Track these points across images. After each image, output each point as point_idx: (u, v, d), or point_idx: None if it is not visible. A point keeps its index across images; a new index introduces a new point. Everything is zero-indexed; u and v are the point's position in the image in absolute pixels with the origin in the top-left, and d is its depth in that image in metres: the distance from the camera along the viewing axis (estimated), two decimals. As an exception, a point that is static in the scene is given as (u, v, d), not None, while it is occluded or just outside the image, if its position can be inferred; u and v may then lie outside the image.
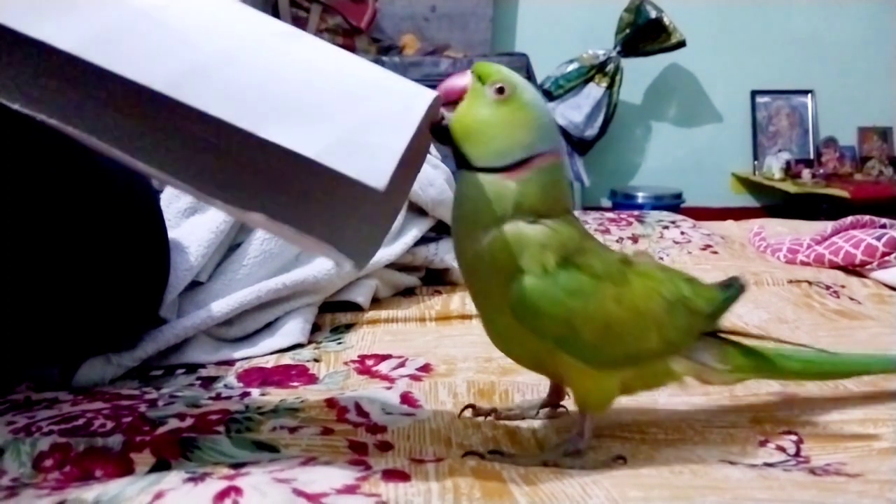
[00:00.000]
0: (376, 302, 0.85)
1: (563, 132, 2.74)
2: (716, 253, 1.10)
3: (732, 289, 0.53)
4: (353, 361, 0.69)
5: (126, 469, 0.46)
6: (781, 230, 1.24)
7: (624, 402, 0.57)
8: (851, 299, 0.89)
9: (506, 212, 0.44)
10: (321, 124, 0.37)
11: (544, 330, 0.45)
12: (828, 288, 0.92)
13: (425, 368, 0.67)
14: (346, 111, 0.38)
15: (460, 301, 0.85)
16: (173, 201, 0.76)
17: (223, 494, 0.39)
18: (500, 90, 0.45)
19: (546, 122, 0.46)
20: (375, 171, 0.37)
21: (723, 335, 0.53)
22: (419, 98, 0.40)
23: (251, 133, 0.41)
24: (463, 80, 0.46)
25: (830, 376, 0.60)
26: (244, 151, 0.42)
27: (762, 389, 0.60)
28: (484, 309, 0.49)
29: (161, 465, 0.46)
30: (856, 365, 0.59)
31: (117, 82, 0.38)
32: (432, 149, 1.12)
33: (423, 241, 0.92)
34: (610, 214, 1.33)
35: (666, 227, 1.22)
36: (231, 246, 0.77)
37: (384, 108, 0.39)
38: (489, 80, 0.45)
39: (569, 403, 0.55)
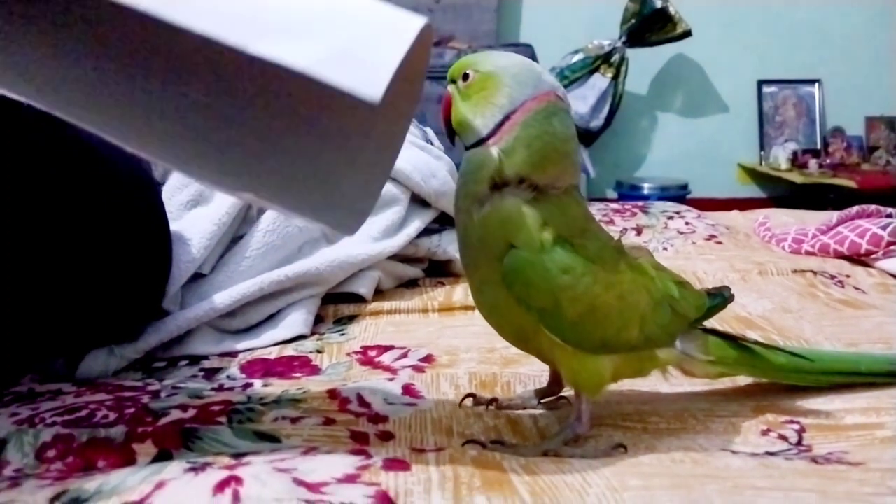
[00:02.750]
0: (379, 293, 0.85)
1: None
2: (720, 243, 1.10)
3: (720, 297, 0.55)
4: (356, 352, 0.69)
5: (128, 459, 0.46)
6: (787, 220, 1.23)
7: (626, 391, 0.58)
8: (856, 289, 0.89)
9: (490, 178, 0.45)
10: (312, 40, 0.36)
11: (530, 301, 0.45)
12: (832, 277, 0.92)
13: (428, 359, 0.67)
14: (338, 28, 0.37)
15: (463, 292, 0.85)
16: (175, 194, 0.76)
17: (224, 484, 0.39)
18: (465, 77, 0.46)
19: (518, 71, 0.46)
20: (369, 83, 0.35)
21: (706, 328, 0.54)
22: (412, 21, 0.39)
23: (243, 89, 0.41)
24: (445, 96, 0.48)
25: (817, 375, 0.57)
26: (235, 117, 0.42)
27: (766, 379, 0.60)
28: (473, 279, 0.49)
29: (163, 456, 0.47)
30: (844, 363, 0.59)
31: (108, 52, 0.38)
32: (434, 140, 1.12)
33: (425, 232, 0.92)
34: (615, 205, 1.33)
35: (670, 218, 1.22)
36: (234, 238, 0.78)
37: (377, 27, 0.38)
38: (457, 77, 0.47)
39: (569, 392, 0.55)
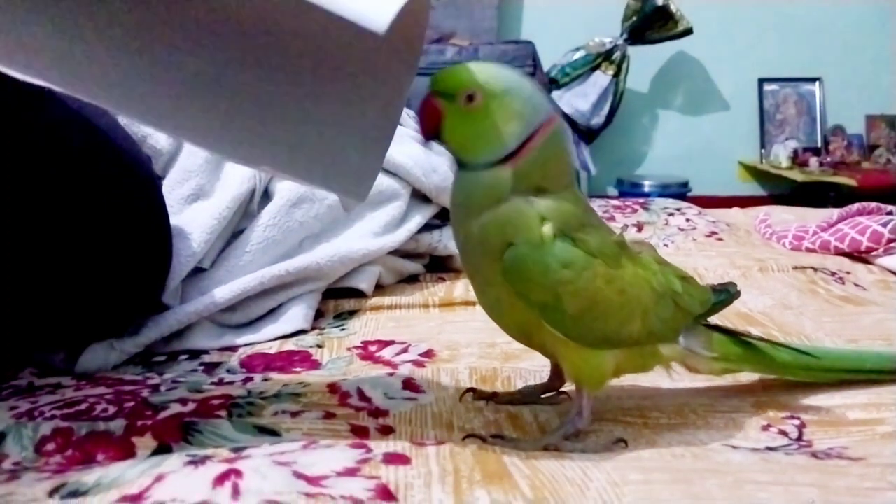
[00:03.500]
0: (380, 289, 0.85)
1: (569, 120, 2.72)
2: (721, 240, 1.10)
3: (725, 293, 0.54)
4: (356, 347, 0.69)
5: (127, 453, 0.46)
6: (787, 217, 1.23)
7: (627, 386, 0.58)
8: (857, 286, 0.89)
9: (501, 196, 0.45)
10: None
11: (531, 296, 0.45)
12: (833, 274, 0.91)
13: (428, 354, 0.67)
14: None
15: (464, 288, 0.85)
16: (175, 188, 0.76)
17: (223, 477, 0.39)
18: (470, 98, 0.44)
19: (528, 96, 0.45)
20: (376, 14, 0.37)
21: (710, 324, 0.54)
22: None
23: (245, 63, 0.43)
24: (432, 109, 0.45)
25: (821, 372, 0.57)
26: (240, 88, 0.43)
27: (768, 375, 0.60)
28: (476, 281, 0.49)
29: (162, 449, 0.47)
30: (848, 361, 0.59)
31: (110, 24, 0.38)
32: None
33: (426, 227, 0.92)
34: (615, 202, 1.32)
35: (671, 214, 1.22)
36: (234, 232, 0.77)
37: None
38: (457, 93, 0.44)
39: (570, 387, 0.55)
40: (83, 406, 0.52)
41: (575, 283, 0.45)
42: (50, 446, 0.47)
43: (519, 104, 0.44)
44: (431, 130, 0.46)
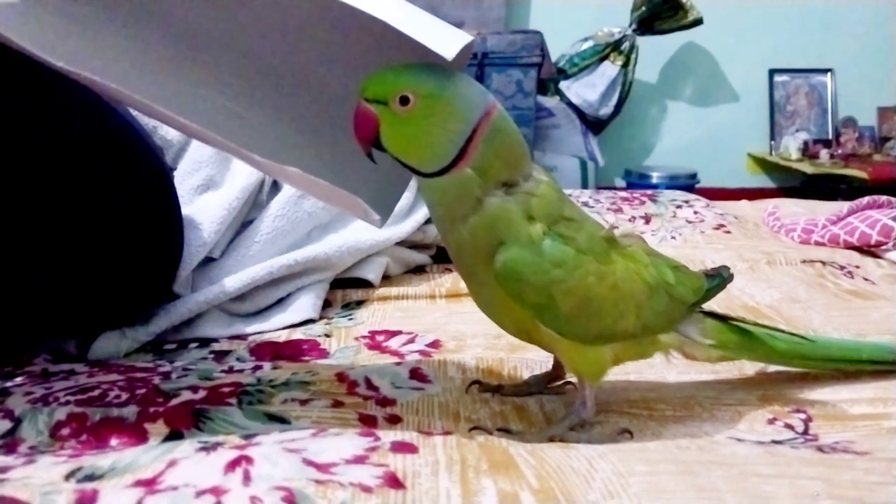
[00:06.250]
0: (387, 279, 0.85)
1: (578, 111, 2.71)
2: (729, 232, 1.10)
3: (718, 278, 0.54)
4: (364, 337, 0.69)
5: (140, 438, 0.47)
6: (796, 210, 1.23)
7: (632, 378, 0.58)
8: (866, 280, 0.89)
9: (475, 197, 0.44)
10: (399, 11, 0.42)
11: (524, 297, 0.45)
12: (842, 268, 0.91)
13: (435, 344, 0.67)
14: (415, 12, 0.43)
15: (471, 279, 0.85)
16: (186, 178, 0.77)
17: (234, 463, 0.39)
18: (404, 101, 0.42)
19: (462, 91, 0.44)
20: (445, 43, 0.41)
21: (706, 311, 0.54)
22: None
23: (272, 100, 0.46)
24: (366, 116, 0.44)
25: (818, 361, 0.58)
26: (260, 125, 0.44)
27: (771, 368, 0.60)
28: (470, 284, 0.50)
29: (174, 436, 0.47)
30: (845, 350, 0.59)
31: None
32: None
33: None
34: (623, 193, 1.32)
35: (679, 207, 1.22)
36: (244, 222, 0.78)
37: (443, 25, 0.43)
38: (389, 99, 0.43)
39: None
40: (96, 392, 0.52)
41: (567, 282, 0.45)
42: (65, 431, 0.47)
43: (455, 101, 0.43)
44: (369, 139, 0.44)
